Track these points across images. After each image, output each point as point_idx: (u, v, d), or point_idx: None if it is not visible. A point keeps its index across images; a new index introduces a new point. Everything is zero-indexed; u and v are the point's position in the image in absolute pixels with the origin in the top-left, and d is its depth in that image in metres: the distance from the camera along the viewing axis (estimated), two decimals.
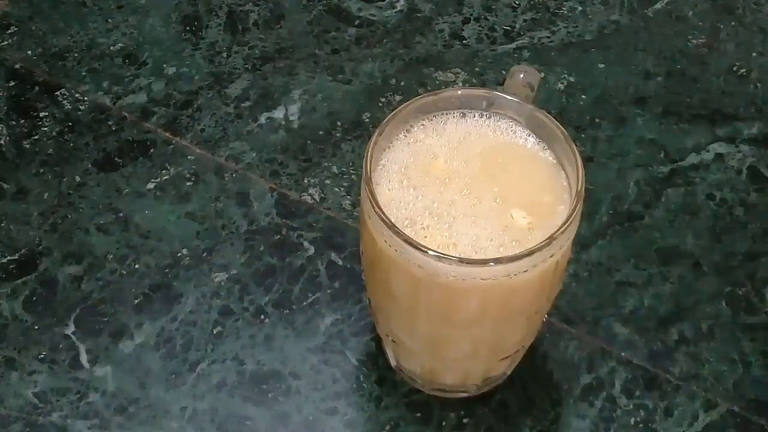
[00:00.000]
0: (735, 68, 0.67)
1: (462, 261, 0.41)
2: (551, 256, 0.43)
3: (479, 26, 0.69)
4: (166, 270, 0.57)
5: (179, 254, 0.58)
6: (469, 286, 0.42)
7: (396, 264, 0.43)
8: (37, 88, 0.65)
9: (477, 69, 0.67)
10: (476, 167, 0.45)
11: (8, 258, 0.57)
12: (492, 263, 0.41)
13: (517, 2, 0.70)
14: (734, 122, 0.64)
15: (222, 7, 0.70)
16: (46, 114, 0.64)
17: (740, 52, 0.68)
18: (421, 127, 0.46)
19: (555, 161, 0.45)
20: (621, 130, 0.63)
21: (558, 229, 0.42)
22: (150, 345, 0.54)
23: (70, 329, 0.55)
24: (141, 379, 0.53)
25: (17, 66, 0.66)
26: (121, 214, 0.59)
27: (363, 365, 0.54)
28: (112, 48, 0.67)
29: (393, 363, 0.53)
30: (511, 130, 0.46)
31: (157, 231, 0.59)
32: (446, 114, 0.46)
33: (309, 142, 0.63)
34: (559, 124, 0.45)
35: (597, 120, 0.64)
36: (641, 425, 0.52)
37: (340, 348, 0.54)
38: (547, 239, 0.41)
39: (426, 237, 0.41)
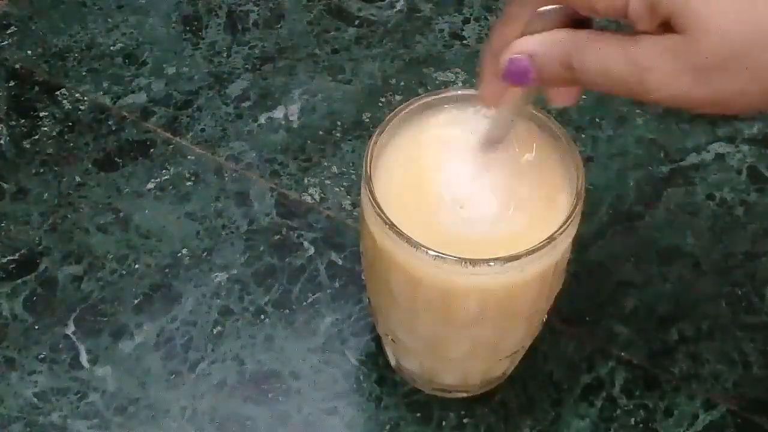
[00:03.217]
0: None
1: (462, 261, 0.41)
2: (551, 256, 0.43)
3: (479, 26, 0.69)
4: (166, 270, 0.57)
5: (179, 254, 0.58)
6: (468, 286, 0.42)
7: (396, 264, 0.43)
8: (37, 87, 0.65)
9: (477, 69, 0.66)
10: (476, 167, 0.45)
11: (8, 258, 0.57)
12: (492, 263, 0.41)
13: None
14: (734, 122, 0.64)
15: (222, 7, 0.70)
16: (46, 114, 0.64)
17: None
18: (422, 126, 0.46)
19: (555, 161, 0.45)
20: (621, 129, 0.63)
21: (558, 229, 0.42)
22: (150, 345, 0.54)
23: (70, 329, 0.55)
24: (141, 379, 0.53)
25: (17, 66, 0.66)
26: (121, 214, 0.59)
27: (363, 365, 0.54)
28: (112, 48, 0.67)
29: (393, 363, 0.53)
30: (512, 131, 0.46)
31: (157, 231, 0.59)
32: (446, 114, 0.46)
33: (309, 142, 0.63)
34: (559, 124, 0.45)
35: (597, 120, 0.64)
36: (641, 425, 0.52)
37: (340, 348, 0.54)
38: (547, 239, 0.41)
39: (426, 236, 0.41)
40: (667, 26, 0.36)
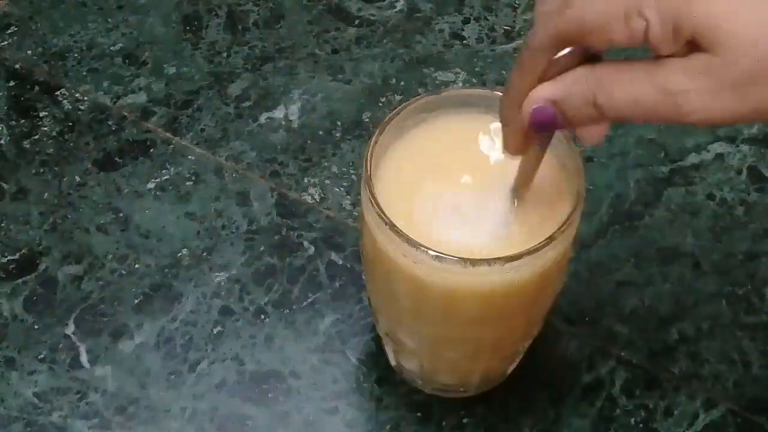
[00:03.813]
0: None
1: (462, 261, 0.41)
2: (551, 256, 0.43)
3: (479, 26, 0.69)
4: (166, 270, 0.57)
5: (179, 254, 0.58)
6: (469, 286, 0.42)
7: (396, 264, 0.43)
8: (37, 87, 0.65)
9: (477, 69, 0.67)
10: (477, 167, 0.45)
11: (8, 258, 0.57)
12: (492, 263, 0.41)
13: (517, 2, 0.70)
14: None
15: (222, 7, 0.69)
16: (46, 114, 0.64)
17: None
18: (422, 126, 0.46)
19: (555, 161, 0.45)
20: (621, 129, 0.63)
21: (558, 229, 0.42)
22: (150, 345, 0.54)
23: (70, 329, 0.55)
24: (141, 379, 0.53)
25: (17, 66, 0.66)
26: (121, 214, 0.59)
27: (363, 365, 0.54)
28: (112, 48, 0.67)
29: (393, 363, 0.53)
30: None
31: (157, 231, 0.59)
32: (446, 114, 0.46)
33: (309, 142, 0.63)
34: None
35: None
36: (641, 425, 0.52)
37: (340, 348, 0.54)
38: (547, 239, 0.41)
39: (426, 237, 0.41)
40: (691, 47, 0.35)
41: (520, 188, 0.43)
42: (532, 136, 0.40)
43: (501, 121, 0.40)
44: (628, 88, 0.36)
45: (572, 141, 0.44)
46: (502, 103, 0.40)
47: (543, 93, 0.38)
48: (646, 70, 0.36)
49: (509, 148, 0.41)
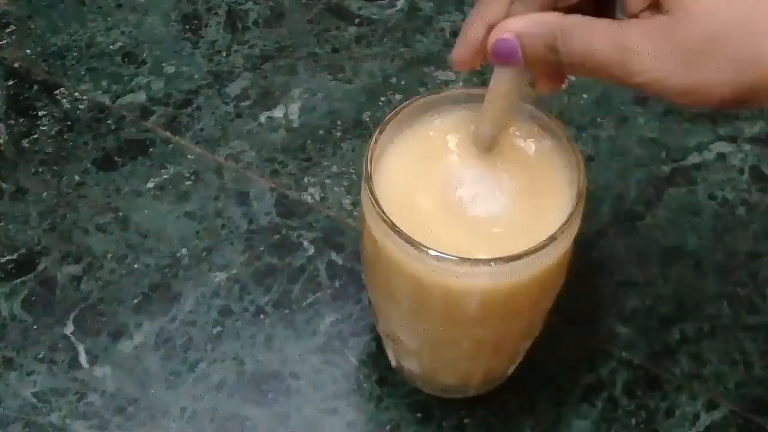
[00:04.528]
0: None
1: (462, 261, 0.41)
2: (552, 256, 0.42)
3: None
4: (166, 270, 0.57)
5: (178, 254, 0.58)
6: (469, 286, 0.42)
7: (396, 264, 0.43)
8: (35, 87, 0.65)
9: (478, 68, 0.66)
10: (477, 167, 0.45)
11: (7, 258, 0.57)
12: (492, 263, 0.41)
13: None
14: (736, 121, 0.64)
15: (222, 6, 0.69)
16: (45, 113, 0.64)
17: None
18: (422, 126, 0.46)
19: (556, 161, 0.45)
20: (622, 129, 0.63)
21: (559, 229, 0.41)
22: (149, 345, 0.54)
23: (69, 329, 0.55)
24: (140, 379, 0.53)
25: (16, 65, 0.66)
26: (121, 214, 0.59)
27: (363, 365, 0.54)
28: (111, 47, 0.67)
29: (393, 363, 0.53)
30: (512, 130, 0.46)
31: (157, 230, 0.59)
32: (447, 113, 0.46)
33: (309, 141, 0.63)
34: (560, 123, 0.45)
35: (598, 119, 0.64)
36: (642, 425, 0.52)
37: (340, 348, 0.54)
38: (547, 239, 0.41)
39: (426, 237, 0.41)
40: (657, 11, 0.36)
41: (483, 129, 0.44)
42: (477, 57, 0.41)
43: (461, 31, 0.41)
44: (587, 39, 0.37)
45: (573, 140, 0.44)
46: (470, 15, 0.41)
47: (512, 25, 0.39)
48: (608, 25, 0.37)
49: (456, 59, 0.42)
